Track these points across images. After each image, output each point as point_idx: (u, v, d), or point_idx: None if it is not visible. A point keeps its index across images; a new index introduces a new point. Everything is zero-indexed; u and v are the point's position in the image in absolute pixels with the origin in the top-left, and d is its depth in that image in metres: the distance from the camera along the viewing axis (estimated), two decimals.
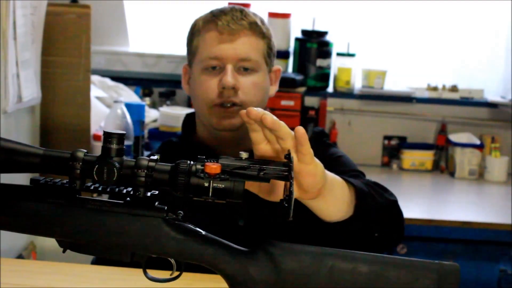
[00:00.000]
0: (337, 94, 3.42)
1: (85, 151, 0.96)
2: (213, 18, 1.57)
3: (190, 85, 1.64)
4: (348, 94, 3.42)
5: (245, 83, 1.56)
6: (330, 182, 1.18)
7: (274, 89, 1.67)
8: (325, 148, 1.64)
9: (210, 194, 0.93)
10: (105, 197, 1.04)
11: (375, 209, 1.35)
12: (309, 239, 1.25)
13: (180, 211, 0.98)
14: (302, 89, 3.30)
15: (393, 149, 3.48)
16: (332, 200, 1.23)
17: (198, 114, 1.63)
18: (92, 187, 0.97)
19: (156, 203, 0.97)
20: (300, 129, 1.05)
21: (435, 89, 3.48)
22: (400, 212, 1.46)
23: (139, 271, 0.99)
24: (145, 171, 0.94)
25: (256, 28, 1.58)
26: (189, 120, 1.69)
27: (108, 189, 0.97)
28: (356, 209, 1.30)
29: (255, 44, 1.57)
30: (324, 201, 1.20)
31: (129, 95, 3.12)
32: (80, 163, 0.94)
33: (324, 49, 3.37)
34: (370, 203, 1.33)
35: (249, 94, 1.56)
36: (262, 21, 1.61)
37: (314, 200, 1.16)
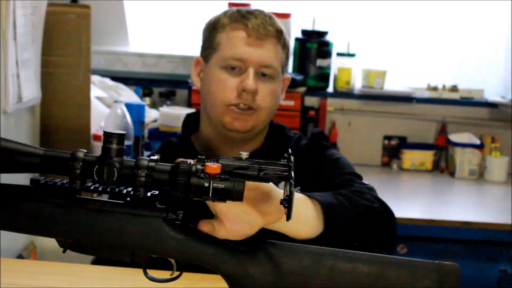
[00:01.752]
0: (337, 94, 3.42)
1: (85, 151, 0.96)
2: (242, 18, 1.56)
3: (203, 80, 1.62)
4: (348, 94, 3.42)
5: (264, 89, 1.55)
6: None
7: (282, 97, 1.67)
8: (322, 150, 1.64)
9: (210, 194, 0.93)
10: (105, 197, 1.04)
11: (346, 220, 1.33)
12: (309, 240, 1.26)
13: (180, 211, 0.98)
14: (302, 89, 3.30)
15: (393, 149, 3.48)
16: (294, 222, 1.21)
17: (207, 110, 1.60)
18: (92, 187, 0.97)
19: (156, 203, 0.97)
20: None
21: (435, 89, 3.48)
22: (384, 213, 1.43)
23: (139, 271, 0.99)
24: (145, 171, 0.94)
25: (281, 37, 1.58)
26: (189, 120, 1.68)
27: (108, 189, 0.97)
28: (326, 224, 1.29)
29: (277, 53, 1.57)
30: (285, 225, 1.17)
31: (129, 95, 3.12)
32: (80, 163, 0.94)
33: (324, 49, 3.37)
34: (340, 214, 1.32)
35: (266, 101, 1.56)
36: (285, 30, 1.61)
37: (274, 225, 1.13)
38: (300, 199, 1.26)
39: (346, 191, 1.42)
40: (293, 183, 0.93)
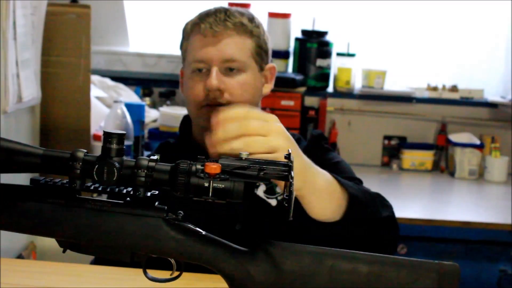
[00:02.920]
0: (337, 94, 3.42)
1: (85, 151, 0.95)
2: (199, 21, 1.59)
3: (183, 88, 1.65)
4: (348, 94, 3.42)
5: (231, 83, 1.56)
6: (316, 187, 1.19)
7: (269, 87, 1.66)
8: (323, 152, 1.63)
9: (210, 194, 0.93)
10: (105, 197, 1.04)
11: (363, 221, 1.33)
12: (308, 240, 1.26)
13: (180, 211, 0.98)
14: (302, 89, 3.30)
15: (393, 149, 3.48)
16: (316, 202, 1.22)
17: (190, 116, 1.65)
18: (92, 187, 0.97)
19: (156, 203, 0.97)
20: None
21: (435, 89, 3.48)
22: (392, 228, 1.43)
23: (139, 271, 0.99)
24: (145, 171, 0.94)
25: (241, 28, 1.57)
26: (187, 121, 1.69)
27: (108, 189, 0.97)
28: (345, 215, 1.29)
29: (240, 44, 1.57)
30: (308, 202, 1.20)
31: (129, 95, 3.12)
32: (80, 163, 0.94)
33: (324, 49, 3.37)
34: (360, 213, 1.31)
35: (236, 95, 1.56)
36: (250, 20, 1.60)
37: (303, 193, 1.17)
38: (326, 186, 1.25)
39: (372, 192, 1.42)
40: (293, 183, 0.93)
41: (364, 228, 1.34)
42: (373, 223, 1.36)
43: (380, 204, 1.41)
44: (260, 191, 1.58)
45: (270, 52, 1.65)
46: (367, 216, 1.34)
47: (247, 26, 1.58)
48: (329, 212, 1.27)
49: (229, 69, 1.56)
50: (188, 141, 1.67)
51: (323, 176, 1.25)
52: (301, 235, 1.43)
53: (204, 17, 1.59)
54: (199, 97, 1.56)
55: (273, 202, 1.58)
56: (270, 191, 1.58)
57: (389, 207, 1.42)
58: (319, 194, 1.23)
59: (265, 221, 1.55)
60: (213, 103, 1.55)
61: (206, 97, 1.55)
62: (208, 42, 1.56)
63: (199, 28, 1.58)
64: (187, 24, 1.63)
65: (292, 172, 0.94)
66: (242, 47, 1.57)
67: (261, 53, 1.61)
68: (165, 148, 1.70)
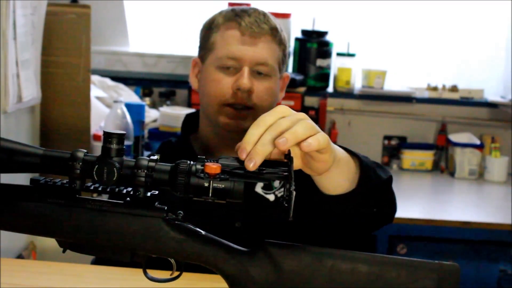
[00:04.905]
0: (337, 94, 3.42)
1: (85, 151, 0.95)
2: (236, 17, 1.56)
3: (200, 80, 1.62)
4: (348, 94, 3.42)
5: (259, 87, 1.55)
6: (337, 159, 1.15)
7: (281, 95, 1.66)
8: None
9: (210, 194, 0.93)
10: (105, 197, 1.04)
11: (376, 184, 1.30)
12: (308, 240, 1.26)
13: (180, 211, 0.98)
14: (302, 89, 3.30)
15: (393, 149, 3.48)
16: (337, 174, 1.19)
17: (205, 110, 1.60)
18: (92, 187, 0.97)
19: (156, 203, 0.97)
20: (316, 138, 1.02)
21: (435, 89, 3.48)
22: (392, 190, 1.43)
23: (139, 271, 0.99)
24: (145, 171, 0.93)
25: (276, 34, 1.57)
26: (189, 120, 1.68)
27: (108, 189, 0.97)
28: (359, 182, 1.26)
29: (273, 50, 1.57)
30: (329, 176, 1.17)
31: (129, 95, 3.12)
32: (80, 163, 0.94)
33: (324, 49, 3.37)
34: (372, 176, 1.29)
35: (262, 99, 1.55)
36: (281, 28, 1.61)
37: (319, 176, 1.14)
38: (345, 157, 1.22)
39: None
40: (293, 183, 0.93)
41: (376, 193, 1.31)
42: (381, 186, 1.34)
43: (379, 166, 1.39)
44: (258, 187, 1.58)
45: (287, 63, 1.66)
46: (377, 180, 1.31)
47: (281, 34, 1.59)
48: (348, 182, 1.24)
49: (258, 73, 1.55)
50: (190, 141, 1.66)
51: (339, 148, 1.23)
52: (301, 231, 1.44)
53: (242, 14, 1.56)
54: (226, 94, 1.54)
55: (271, 198, 1.58)
56: (268, 186, 1.58)
57: (384, 168, 1.41)
58: (342, 165, 1.19)
59: (263, 217, 1.55)
60: (239, 103, 1.53)
61: (233, 95, 1.53)
62: (246, 41, 1.54)
63: (236, 24, 1.55)
64: (216, 16, 1.59)
65: (292, 172, 0.94)
66: (274, 53, 1.57)
67: (285, 62, 1.62)
68: (167, 147, 1.69)
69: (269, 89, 1.56)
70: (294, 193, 0.93)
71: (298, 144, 1.01)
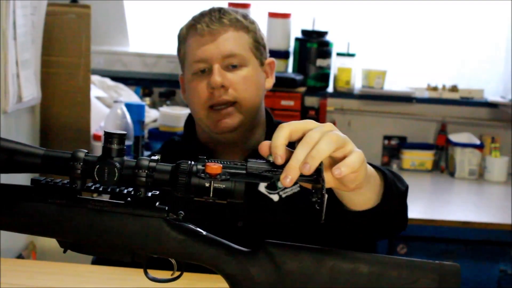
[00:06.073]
0: (337, 94, 3.42)
1: (86, 151, 0.95)
2: (194, 23, 1.59)
3: (185, 92, 1.64)
4: (348, 94, 3.42)
5: (234, 79, 1.55)
6: (367, 175, 1.12)
7: (270, 81, 1.66)
8: None
9: (211, 194, 0.93)
10: (105, 198, 1.04)
11: (397, 197, 1.30)
12: (309, 240, 1.26)
13: (181, 212, 0.98)
14: (302, 89, 3.30)
15: (393, 149, 3.48)
16: (367, 190, 1.18)
17: (196, 120, 1.63)
18: (92, 187, 0.97)
19: (157, 204, 0.97)
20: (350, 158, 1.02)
21: (435, 89, 3.48)
22: (406, 202, 1.40)
23: (140, 271, 0.99)
24: (146, 171, 0.93)
25: (237, 24, 1.58)
26: (192, 119, 1.69)
27: (109, 190, 0.97)
28: (383, 198, 1.24)
29: (238, 39, 1.57)
30: (360, 193, 1.15)
31: (129, 95, 3.12)
32: (81, 163, 0.94)
33: (324, 49, 3.37)
34: (394, 191, 1.28)
35: (240, 90, 1.55)
36: (244, 16, 1.60)
37: (351, 192, 1.11)
38: (373, 172, 1.20)
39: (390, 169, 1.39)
40: (324, 185, 0.92)
41: (396, 206, 1.31)
42: (400, 198, 1.33)
43: (396, 177, 1.37)
44: (262, 186, 1.57)
45: (267, 48, 1.65)
46: (398, 194, 1.30)
47: (243, 22, 1.59)
48: (375, 196, 1.23)
49: (231, 66, 1.56)
50: (193, 139, 1.66)
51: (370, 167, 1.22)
52: (305, 235, 1.44)
53: (198, 18, 1.59)
54: (204, 97, 1.55)
55: (275, 198, 1.57)
56: (272, 186, 1.57)
57: (401, 179, 1.38)
58: (372, 181, 1.18)
59: (267, 217, 1.55)
60: (218, 101, 1.54)
61: (211, 96, 1.54)
62: (206, 40, 1.56)
63: (195, 29, 1.57)
64: (182, 29, 1.63)
65: (322, 174, 0.93)
66: (240, 42, 1.57)
67: (259, 48, 1.61)
68: (170, 146, 1.70)
69: (246, 78, 1.56)
70: (326, 196, 0.92)
71: (330, 165, 0.99)
